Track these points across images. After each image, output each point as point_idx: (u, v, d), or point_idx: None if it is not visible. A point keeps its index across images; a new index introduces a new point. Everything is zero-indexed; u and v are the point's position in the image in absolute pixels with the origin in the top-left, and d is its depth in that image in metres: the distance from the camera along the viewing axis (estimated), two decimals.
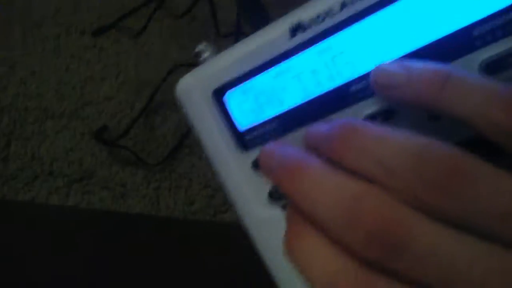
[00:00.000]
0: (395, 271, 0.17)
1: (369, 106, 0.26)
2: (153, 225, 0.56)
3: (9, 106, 0.51)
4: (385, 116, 0.25)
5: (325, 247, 0.19)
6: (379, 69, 0.23)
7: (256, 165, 0.29)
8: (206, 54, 0.31)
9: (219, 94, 0.29)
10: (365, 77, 0.25)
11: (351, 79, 0.26)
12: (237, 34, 0.49)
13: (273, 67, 0.27)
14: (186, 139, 0.52)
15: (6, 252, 0.50)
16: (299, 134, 0.27)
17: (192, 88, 0.29)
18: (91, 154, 0.50)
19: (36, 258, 0.49)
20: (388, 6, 0.24)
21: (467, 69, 0.23)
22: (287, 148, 0.23)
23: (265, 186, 0.29)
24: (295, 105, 0.27)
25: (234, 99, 0.29)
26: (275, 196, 0.28)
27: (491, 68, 0.23)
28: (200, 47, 0.31)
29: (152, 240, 0.52)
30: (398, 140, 0.19)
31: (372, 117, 0.25)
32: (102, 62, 0.51)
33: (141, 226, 0.51)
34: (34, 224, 0.52)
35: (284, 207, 0.29)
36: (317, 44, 0.26)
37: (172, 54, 0.51)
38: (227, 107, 0.29)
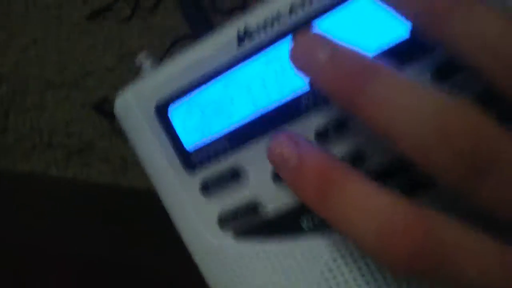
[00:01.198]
0: (476, 193, 0.16)
1: (322, 115, 0.24)
2: (153, 199, 0.55)
3: (9, 73, 0.50)
4: (338, 126, 0.23)
5: (374, 195, 0.18)
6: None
7: (204, 188, 0.27)
8: (146, 65, 0.28)
9: (162, 109, 0.26)
10: None
11: (301, 87, 0.23)
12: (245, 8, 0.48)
13: (219, 78, 0.25)
14: None
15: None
16: (249, 150, 0.26)
17: (132, 104, 0.27)
18: (91, 126, 0.49)
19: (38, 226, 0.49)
20: (338, 8, 0.22)
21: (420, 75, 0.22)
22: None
23: (215, 212, 0.27)
24: (244, 119, 0.25)
25: (178, 115, 0.26)
26: (226, 222, 0.26)
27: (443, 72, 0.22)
28: (140, 57, 0.29)
29: (152, 213, 0.51)
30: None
31: (323, 131, 0.24)
32: (104, 32, 0.50)
33: (142, 199, 0.51)
34: (33, 195, 0.51)
35: (236, 234, 0.27)
36: (266, 51, 0.24)
37: (176, 27, 0.50)
38: (171, 124, 0.26)
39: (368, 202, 0.18)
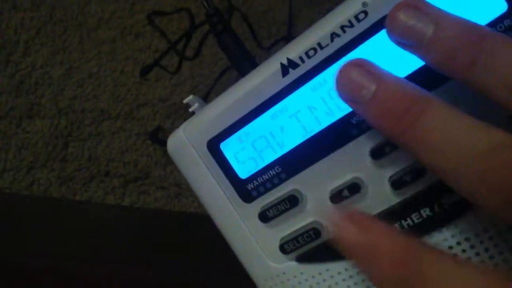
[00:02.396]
0: None
1: (374, 137, 0.24)
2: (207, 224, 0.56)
3: (67, 108, 0.53)
4: (393, 146, 0.23)
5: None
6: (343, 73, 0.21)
7: (263, 215, 0.27)
8: (194, 106, 0.30)
9: (214, 144, 0.27)
10: None
11: (350, 110, 0.24)
12: (289, 39, 0.49)
13: (268, 109, 0.26)
14: None
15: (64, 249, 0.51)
16: (305, 175, 0.26)
17: (185, 142, 0.28)
18: (146, 154, 0.51)
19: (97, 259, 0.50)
20: (382, 31, 0.23)
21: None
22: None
23: (276, 238, 0.27)
24: (296, 146, 0.26)
25: (230, 148, 0.27)
26: (288, 248, 0.27)
27: None
28: (188, 100, 0.30)
29: (208, 237, 0.52)
30: None
31: (379, 148, 0.24)
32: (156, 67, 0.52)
33: (195, 224, 0.52)
34: (90, 223, 0.53)
35: (298, 259, 0.27)
36: (311, 79, 0.25)
37: (224, 57, 0.51)
38: (224, 157, 0.27)
39: (455, 131, 0.17)
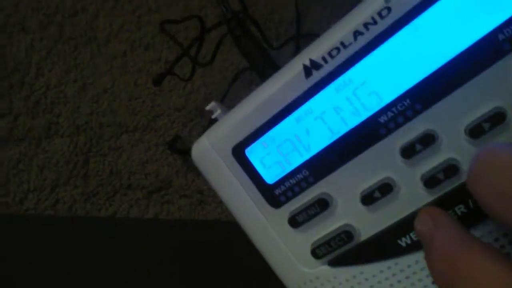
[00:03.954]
0: None
1: (403, 136, 0.24)
2: (231, 230, 0.56)
3: (85, 124, 0.53)
4: (427, 142, 0.23)
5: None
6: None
7: (293, 220, 0.27)
8: (217, 113, 0.29)
9: (239, 151, 0.27)
10: (393, 104, 0.23)
11: (378, 109, 0.24)
12: (298, 38, 0.49)
13: (292, 112, 0.25)
14: None
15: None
16: (334, 178, 0.26)
17: (209, 149, 0.28)
18: (167, 164, 0.51)
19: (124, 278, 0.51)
20: (405, 27, 0.22)
21: (501, 77, 0.21)
22: None
23: (307, 243, 0.27)
24: (323, 148, 0.25)
25: (256, 153, 0.27)
26: (320, 252, 0.26)
27: None
28: (210, 106, 0.30)
29: (231, 243, 0.53)
30: None
31: (409, 146, 0.24)
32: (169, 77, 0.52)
33: (218, 231, 0.52)
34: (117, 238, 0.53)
35: (330, 263, 0.27)
36: (335, 80, 0.24)
37: (236, 61, 0.52)
38: (250, 163, 0.27)
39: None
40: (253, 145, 0.27)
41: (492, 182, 0.17)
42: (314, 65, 0.24)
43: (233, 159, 0.27)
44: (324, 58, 0.24)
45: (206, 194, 0.51)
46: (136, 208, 0.52)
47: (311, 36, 0.47)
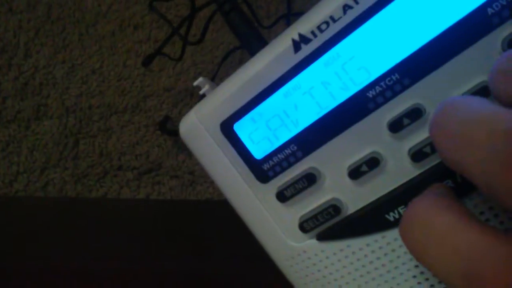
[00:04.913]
0: None
1: (391, 110, 0.24)
2: (223, 210, 0.56)
3: (74, 106, 0.53)
4: (414, 116, 0.23)
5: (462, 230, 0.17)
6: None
7: (281, 195, 0.27)
8: (205, 88, 0.29)
9: (227, 126, 0.27)
10: (381, 79, 0.23)
11: (366, 84, 0.24)
12: (289, 16, 0.49)
13: (280, 87, 0.25)
14: None
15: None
16: (322, 152, 0.26)
17: (197, 125, 0.27)
18: (157, 145, 0.51)
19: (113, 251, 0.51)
20: (395, 1, 0.22)
21: (489, 51, 0.21)
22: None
23: (295, 218, 0.27)
24: (311, 123, 0.25)
25: (244, 129, 0.26)
26: (308, 226, 0.26)
27: None
28: (198, 82, 0.29)
29: (223, 224, 0.53)
30: None
31: (397, 121, 0.23)
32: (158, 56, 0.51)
33: (209, 212, 0.52)
34: (107, 218, 0.53)
35: (318, 237, 0.27)
36: (324, 54, 0.24)
37: (226, 41, 0.51)
38: (239, 138, 0.27)
39: (455, 239, 0.17)
40: (241, 120, 0.27)
41: (452, 130, 0.17)
42: (303, 39, 0.24)
43: (221, 135, 0.27)
44: (313, 32, 0.24)
45: (197, 174, 0.51)
46: (127, 189, 0.52)
47: (302, 15, 0.47)
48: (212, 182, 0.53)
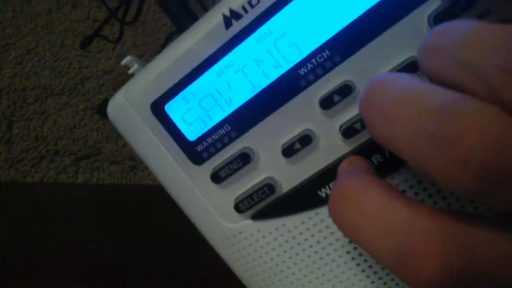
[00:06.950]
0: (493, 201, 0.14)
1: (323, 87, 0.24)
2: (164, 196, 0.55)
3: (7, 87, 0.50)
4: (344, 92, 0.23)
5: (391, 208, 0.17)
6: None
7: (215, 176, 0.26)
8: (134, 68, 0.28)
9: (158, 107, 0.25)
10: (312, 56, 0.23)
11: (298, 61, 0.23)
12: None
13: (213, 65, 0.24)
14: None
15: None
16: (256, 132, 0.26)
17: (126, 106, 0.25)
18: (96, 129, 0.50)
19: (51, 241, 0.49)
20: None
21: (416, 27, 0.22)
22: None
23: (230, 198, 0.27)
24: (245, 102, 0.25)
25: (176, 109, 0.25)
26: (243, 206, 0.26)
27: (441, 20, 0.21)
28: (126, 61, 0.28)
29: (165, 211, 0.52)
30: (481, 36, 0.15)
31: (328, 98, 0.24)
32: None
33: (152, 197, 0.51)
34: (44, 204, 0.51)
35: (253, 217, 0.27)
36: (256, 31, 0.23)
37: (170, 22, 0.50)
38: (170, 119, 0.26)
39: (385, 217, 0.17)
40: (172, 100, 0.25)
41: (381, 108, 0.18)
42: (234, 15, 0.23)
43: (152, 116, 0.26)
44: (244, 8, 0.23)
45: (139, 160, 0.50)
46: (64, 175, 0.50)
47: None
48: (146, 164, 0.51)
